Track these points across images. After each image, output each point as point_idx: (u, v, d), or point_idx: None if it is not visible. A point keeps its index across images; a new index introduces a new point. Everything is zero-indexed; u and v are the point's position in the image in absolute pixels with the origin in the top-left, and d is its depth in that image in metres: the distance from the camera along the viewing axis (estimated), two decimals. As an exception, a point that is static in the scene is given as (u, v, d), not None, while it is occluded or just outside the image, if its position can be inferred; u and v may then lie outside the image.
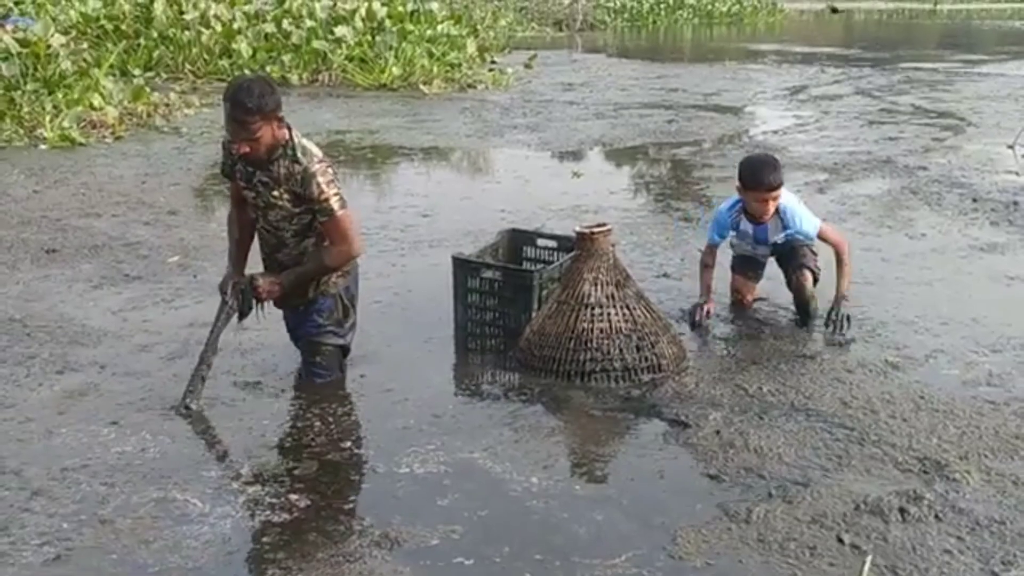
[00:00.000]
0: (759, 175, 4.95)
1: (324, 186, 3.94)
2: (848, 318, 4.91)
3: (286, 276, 4.12)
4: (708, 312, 5.08)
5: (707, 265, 5.24)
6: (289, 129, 3.99)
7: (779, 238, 5.08)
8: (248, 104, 3.79)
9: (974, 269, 6.10)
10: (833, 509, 3.36)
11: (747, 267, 5.35)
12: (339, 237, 4.05)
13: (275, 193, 4.02)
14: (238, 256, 4.32)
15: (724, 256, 5.33)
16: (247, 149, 3.89)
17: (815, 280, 5.03)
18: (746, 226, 5.16)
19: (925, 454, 3.73)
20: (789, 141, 10.58)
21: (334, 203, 3.97)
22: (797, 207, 5.08)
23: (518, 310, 4.78)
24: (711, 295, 5.16)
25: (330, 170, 4.02)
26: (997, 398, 4.24)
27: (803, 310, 5.02)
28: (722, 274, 5.32)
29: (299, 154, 3.96)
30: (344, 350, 4.39)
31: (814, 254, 5.08)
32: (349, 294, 4.30)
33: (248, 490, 3.48)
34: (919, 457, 3.71)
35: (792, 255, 5.04)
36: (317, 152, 4.04)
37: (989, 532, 3.24)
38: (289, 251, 4.16)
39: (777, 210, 5.01)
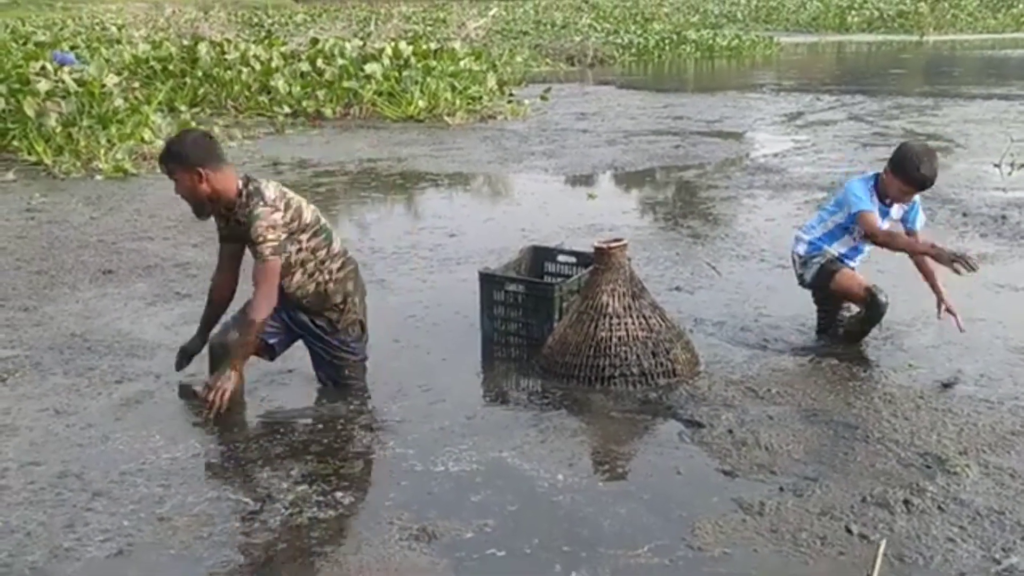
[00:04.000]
0: (928, 173, 4.53)
1: (263, 230, 3.83)
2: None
3: (233, 358, 3.96)
4: (968, 260, 4.47)
5: (888, 234, 4.69)
6: (246, 180, 3.96)
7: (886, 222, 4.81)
8: (165, 151, 3.97)
9: (966, 279, 6.03)
10: (841, 502, 3.33)
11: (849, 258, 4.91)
12: (263, 281, 3.89)
13: (240, 236, 4.01)
14: (205, 323, 4.31)
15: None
16: (176, 191, 3.99)
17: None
18: (873, 206, 4.74)
19: (926, 450, 3.70)
20: (788, 163, 10.54)
21: (266, 248, 3.84)
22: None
23: (540, 320, 4.77)
24: (933, 243, 4.69)
25: (277, 215, 3.88)
26: (992, 397, 4.20)
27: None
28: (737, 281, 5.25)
29: (247, 199, 3.90)
30: (363, 362, 4.41)
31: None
32: (360, 323, 4.32)
33: (297, 489, 3.47)
34: (921, 453, 3.68)
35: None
36: (270, 195, 3.91)
37: (989, 522, 3.20)
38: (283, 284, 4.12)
39: None
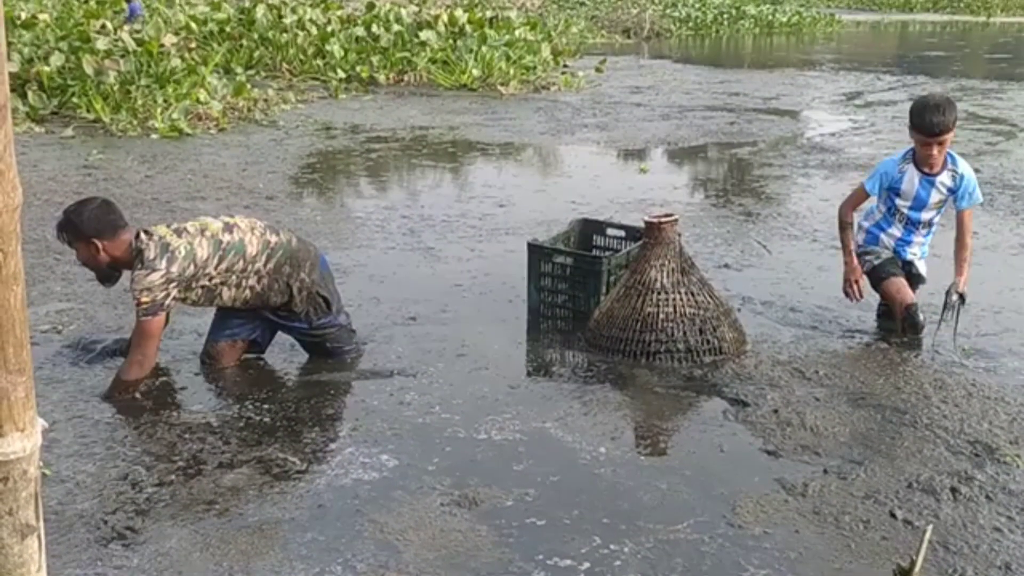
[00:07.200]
0: (923, 117, 4.44)
1: (138, 293, 3.84)
2: (962, 298, 4.62)
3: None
4: (860, 290, 4.77)
5: (848, 224, 4.79)
6: (136, 237, 3.90)
7: (935, 209, 4.71)
8: (62, 222, 3.92)
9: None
10: (886, 486, 3.30)
11: (897, 269, 4.78)
12: (136, 344, 3.95)
13: None
14: None
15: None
16: (77, 259, 4.03)
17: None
18: (910, 181, 4.63)
19: (976, 438, 3.65)
20: (845, 143, 10.38)
21: (139, 310, 3.86)
22: (971, 171, 4.65)
23: (588, 293, 4.77)
24: (856, 263, 4.78)
25: (154, 276, 3.82)
26: (1047, 388, 4.12)
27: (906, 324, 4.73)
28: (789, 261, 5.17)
29: (133, 260, 3.89)
30: (346, 328, 4.39)
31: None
32: (320, 296, 4.24)
33: (344, 451, 3.53)
34: (970, 441, 3.63)
35: (913, 282, 4.82)
36: (149, 255, 3.84)
37: (1038, 513, 3.16)
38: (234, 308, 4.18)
39: (947, 164, 4.62)
